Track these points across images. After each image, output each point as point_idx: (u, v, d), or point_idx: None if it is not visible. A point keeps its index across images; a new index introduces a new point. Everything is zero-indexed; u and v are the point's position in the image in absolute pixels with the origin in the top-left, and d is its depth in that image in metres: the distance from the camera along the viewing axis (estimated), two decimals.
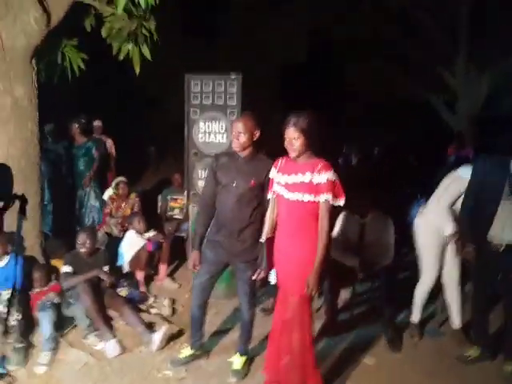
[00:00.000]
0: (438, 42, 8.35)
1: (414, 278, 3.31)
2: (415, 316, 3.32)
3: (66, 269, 3.21)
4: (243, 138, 2.59)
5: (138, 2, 3.45)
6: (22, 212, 0.98)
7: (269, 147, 2.76)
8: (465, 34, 8.50)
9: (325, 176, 2.33)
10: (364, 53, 8.31)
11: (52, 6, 3.48)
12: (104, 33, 3.82)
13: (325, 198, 2.33)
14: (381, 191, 4.04)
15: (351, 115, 9.31)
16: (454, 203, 3.01)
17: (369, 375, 2.89)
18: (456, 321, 3.21)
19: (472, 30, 8.36)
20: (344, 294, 3.65)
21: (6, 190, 0.94)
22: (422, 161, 6.49)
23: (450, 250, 3.10)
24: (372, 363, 3.01)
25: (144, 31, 3.83)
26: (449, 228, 2.99)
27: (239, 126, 2.59)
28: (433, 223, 3.08)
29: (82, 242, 3.30)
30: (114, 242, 4.21)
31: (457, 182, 2.98)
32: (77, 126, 5.16)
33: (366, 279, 3.54)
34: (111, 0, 3.63)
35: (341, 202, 2.40)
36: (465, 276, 3.22)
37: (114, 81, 6.60)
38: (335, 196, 2.36)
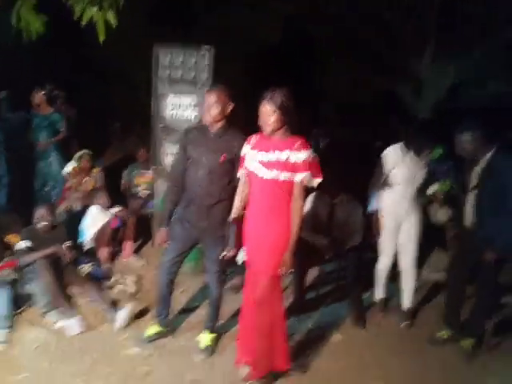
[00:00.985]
0: (406, 30, 8.42)
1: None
2: (377, 293, 3.43)
3: (23, 244, 3.04)
4: (215, 111, 2.50)
5: None
6: None
7: (241, 125, 2.69)
8: (433, 23, 8.62)
9: (304, 154, 2.29)
10: (332, 41, 8.31)
11: None
12: None
13: (302, 176, 2.30)
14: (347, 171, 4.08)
15: (322, 105, 9.31)
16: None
17: (335, 351, 2.95)
18: (406, 301, 3.31)
19: (440, 19, 8.48)
20: (312, 273, 3.69)
21: None
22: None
23: (403, 231, 3.20)
24: (338, 340, 3.07)
25: None
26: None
27: (212, 98, 2.49)
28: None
29: (40, 217, 3.14)
30: (74, 218, 4.03)
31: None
32: (42, 93, 4.76)
33: (333, 259, 3.58)
34: None
35: (317, 181, 2.38)
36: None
37: (77, 49, 6.22)
38: (313, 175, 2.34)
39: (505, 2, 7.06)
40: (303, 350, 2.89)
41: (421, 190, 3.21)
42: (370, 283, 3.48)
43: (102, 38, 3.65)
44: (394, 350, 3.02)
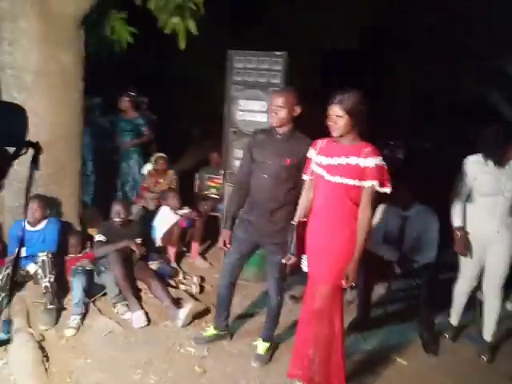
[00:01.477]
0: (497, 33, 7.69)
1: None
2: (453, 318, 3.12)
3: (99, 237, 3.25)
4: (282, 113, 2.46)
5: None
6: (35, 161, 0.93)
7: (309, 131, 2.62)
8: None
9: (373, 161, 2.16)
10: (417, 51, 7.85)
11: None
12: (151, 5, 3.78)
13: (370, 183, 2.17)
14: (427, 184, 3.79)
15: (401, 113, 8.87)
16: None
17: (398, 377, 2.72)
18: (487, 333, 2.93)
19: None
20: (379, 290, 3.46)
21: (18, 133, 0.88)
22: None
23: (491, 253, 2.82)
24: (403, 365, 2.83)
25: (191, 5, 3.76)
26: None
27: (279, 100, 2.46)
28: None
29: (116, 213, 3.34)
30: (149, 216, 4.24)
31: None
32: (128, 99, 5.07)
33: (403, 276, 3.32)
34: None
35: (386, 189, 2.23)
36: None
37: (161, 58, 6.62)
38: (381, 183, 2.20)
39: None
40: (362, 372, 2.70)
41: None
42: (445, 305, 3.17)
43: (183, 45, 3.84)
44: (467, 383, 2.71)
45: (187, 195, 4.72)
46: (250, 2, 6.84)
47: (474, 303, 3.13)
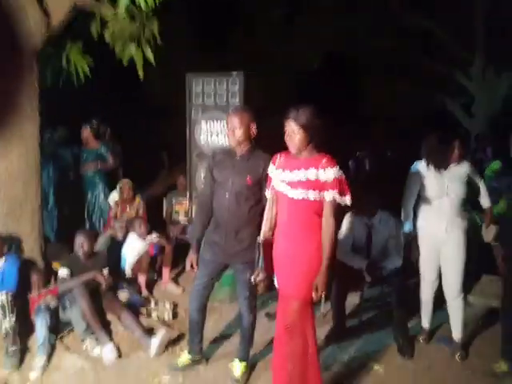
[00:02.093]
0: (452, 46, 8.14)
1: None
2: (424, 321, 3.17)
3: (62, 272, 3.15)
4: (239, 133, 2.49)
5: (139, 3, 3.43)
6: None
7: (270, 147, 2.65)
8: (481, 36, 8.27)
9: (331, 172, 2.21)
10: (377, 65, 8.18)
11: (52, 10, 3.47)
12: (107, 36, 3.79)
13: (331, 194, 2.21)
14: (390, 190, 3.88)
15: (364, 128, 9.14)
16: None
17: (378, 383, 2.72)
18: (455, 332, 2.99)
19: (488, 31, 8.12)
20: (352, 299, 3.49)
21: None
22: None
23: (445, 253, 2.91)
24: (382, 370, 2.84)
25: (147, 34, 3.80)
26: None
27: (234, 121, 2.49)
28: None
29: (79, 245, 3.25)
30: (117, 246, 4.15)
31: None
32: (89, 129, 5.03)
33: (375, 283, 3.36)
34: (114, 3, 3.62)
35: (347, 199, 2.27)
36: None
37: (122, 86, 6.61)
38: (341, 193, 2.24)
39: None
40: (341, 382, 2.69)
41: (463, 205, 2.91)
42: (418, 308, 3.21)
43: (141, 73, 3.85)
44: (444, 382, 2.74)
45: (157, 221, 4.66)
46: (216, 28, 6.97)
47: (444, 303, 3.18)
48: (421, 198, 2.97)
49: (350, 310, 3.49)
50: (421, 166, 2.96)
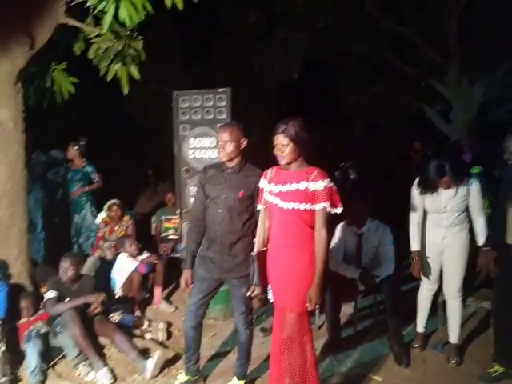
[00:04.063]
0: (426, 54, 8.36)
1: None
2: (419, 325, 3.19)
3: (50, 294, 3.06)
4: (230, 147, 2.50)
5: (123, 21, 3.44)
6: None
7: (259, 161, 2.68)
8: (454, 44, 8.53)
9: (321, 183, 2.23)
10: (357, 74, 8.33)
11: (36, 29, 3.45)
12: (91, 54, 3.78)
13: (322, 206, 2.23)
14: (378, 197, 3.93)
15: (348, 137, 9.26)
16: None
17: None
18: (452, 336, 3.03)
19: (461, 39, 8.38)
20: (346, 309, 3.49)
21: None
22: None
23: (446, 258, 2.97)
24: (379, 381, 2.83)
25: (131, 51, 3.81)
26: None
27: (225, 135, 2.50)
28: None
29: (64, 270, 3.17)
30: (107, 266, 4.08)
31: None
32: (76, 148, 4.95)
33: (368, 292, 3.38)
34: (98, 21, 3.62)
35: (338, 210, 2.30)
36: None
37: (107, 103, 6.59)
38: (332, 204, 2.26)
39: None
40: None
41: (463, 216, 2.92)
42: (412, 315, 3.24)
43: (126, 90, 3.84)
44: None
45: (146, 239, 4.61)
46: (199, 42, 7.02)
47: (437, 310, 3.22)
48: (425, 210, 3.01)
49: (345, 320, 3.50)
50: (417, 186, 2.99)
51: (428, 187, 2.89)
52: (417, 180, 2.98)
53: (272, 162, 2.43)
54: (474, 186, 2.86)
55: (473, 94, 8.81)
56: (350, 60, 8.06)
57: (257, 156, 2.70)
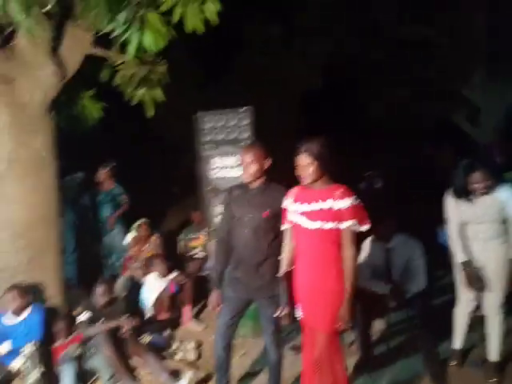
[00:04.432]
0: (453, 58, 8.23)
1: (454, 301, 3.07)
2: (456, 342, 3.07)
3: (84, 316, 3.14)
4: (253, 168, 2.53)
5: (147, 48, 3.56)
6: None
7: (283, 178, 2.69)
8: (482, 47, 8.37)
9: (347, 201, 2.23)
10: (379, 81, 8.26)
11: (66, 60, 3.62)
12: (118, 80, 3.92)
13: (348, 224, 2.23)
14: (405, 210, 3.85)
15: (374, 144, 9.16)
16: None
17: None
18: (492, 353, 2.90)
19: (489, 43, 8.21)
20: (378, 326, 3.42)
21: None
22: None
23: (487, 273, 2.83)
24: None
25: (155, 75, 3.92)
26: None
27: (248, 156, 2.53)
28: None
29: (100, 295, 3.26)
30: (137, 286, 4.15)
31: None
32: (106, 170, 5.08)
33: (399, 308, 3.30)
34: (123, 48, 3.76)
35: (365, 227, 2.29)
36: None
37: (133, 124, 6.78)
38: (359, 222, 2.25)
39: None
40: None
41: (501, 228, 2.78)
42: (445, 331, 3.13)
43: (151, 112, 3.97)
44: None
45: (173, 258, 4.66)
46: (217, 62, 7.15)
47: (474, 325, 3.10)
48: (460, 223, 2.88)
49: (376, 337, 3.42)
50: (452, 194, 2.88)
51: (462, 192, 2.76)
52: (450, 188, 2.88)
53: (295, 176, 2.43)
54: (510, 193, 2.74)
55: (500, 96, 8.59)
56: (371, 68, 8.02)
57: (281, 172, 2.71)
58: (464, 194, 2.77)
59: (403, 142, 9.19)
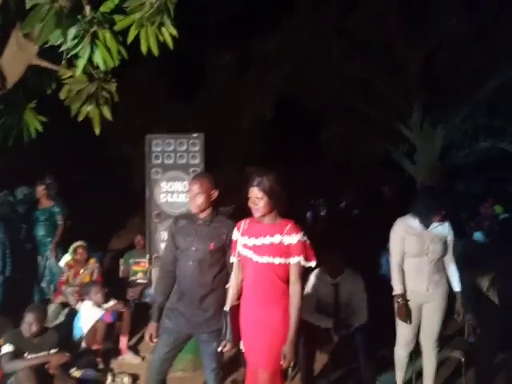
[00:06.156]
0: (391, 98, 8.75)
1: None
2: (398, 380, 3.11)
3: (6, 349, 2.83)
4: (200, 199, 2.47)
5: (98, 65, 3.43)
6: None
7: (235, 206, 2.66)
8: (416, 90, 8.98)
9: (295, 237, 2.24)
10: (326, 115, 8.61)
11: (6, 70, 3.39)
12: (62, 95, 3.73)
13: (297, 260, 2.23)
14: (351, 241, 3.93)
15: (320, 175, 9.44)
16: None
17: None
18: None
19: (423, 85, 8.84)
20: (321, 359, 3.41)
21: None
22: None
23: (426, 311, 2.93)
24: None
25: (104, 93, 3.78)
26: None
27: (195, 187, 2.47)
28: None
29: (28, 324, 2.96)
30: (70, 315, 3.86)
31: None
32: (43, 187, 4.82)
33: (342, 341, 3.32)
34: (70, 62, 3.60)
35: (312, 263, 2.31)
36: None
37: (75, 142, 6.48)
38: (306, 258, 2.27)
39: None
40: None
41: (440, 262, 2.89)
42: (389, 363, 3.16)
43: (97, 131, 3.77)
44: None
45: (113, 283, 4.42)
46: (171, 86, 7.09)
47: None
48: (403, 256, 2.92)
49: (319, 370, 3.41)
50: (404, 222, 2.91)
51: (425, 218, 2.81)
52: (398, 221, 2.92)
53: (246, 203, 2.39)
54: (451, 229, 2.89)
55: (434, 137, 9.23)
56: (320, 101, 8.33)
57: (230, 197, 2.67)
58: (426, 219, 2.82)
59: (349, 172, 9.58)
